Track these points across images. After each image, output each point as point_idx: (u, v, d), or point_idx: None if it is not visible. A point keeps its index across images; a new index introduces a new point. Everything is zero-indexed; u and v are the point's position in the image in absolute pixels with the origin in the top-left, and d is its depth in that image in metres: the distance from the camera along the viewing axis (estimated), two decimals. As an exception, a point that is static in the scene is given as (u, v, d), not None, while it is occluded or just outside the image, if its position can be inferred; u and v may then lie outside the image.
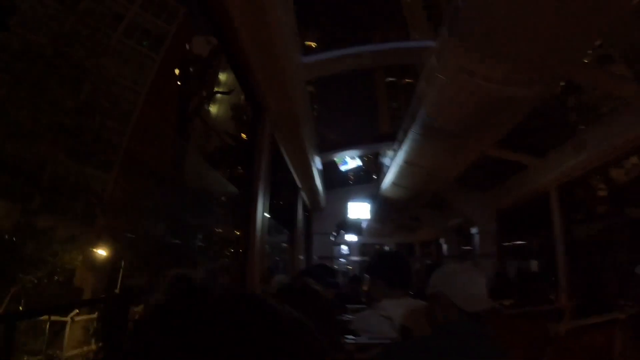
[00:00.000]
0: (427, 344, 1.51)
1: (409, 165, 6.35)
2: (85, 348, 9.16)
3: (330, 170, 9.30)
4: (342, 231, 12.33)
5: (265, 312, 0.46)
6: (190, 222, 21.42)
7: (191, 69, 26.60)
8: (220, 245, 24.10)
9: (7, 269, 12.59)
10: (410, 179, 7.01)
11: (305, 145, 5.08)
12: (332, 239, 10.24)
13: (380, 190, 8.58)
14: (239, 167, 25.86)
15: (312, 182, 6.68)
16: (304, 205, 7.36)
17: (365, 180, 19.44)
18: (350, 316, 2.77)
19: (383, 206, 9.31)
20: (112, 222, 17.89)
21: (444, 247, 11.20)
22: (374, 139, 9.92)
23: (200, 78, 26.74)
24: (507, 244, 9.52)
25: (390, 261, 2.42)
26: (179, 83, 26.24)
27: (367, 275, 2.49)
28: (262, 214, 3.48)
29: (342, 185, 10.86)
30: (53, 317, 7.91)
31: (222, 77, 37.41)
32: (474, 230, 8.34)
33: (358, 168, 10.80)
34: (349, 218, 9.63)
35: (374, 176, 17.52)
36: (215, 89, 34.38)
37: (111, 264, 16.82)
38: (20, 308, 12.87)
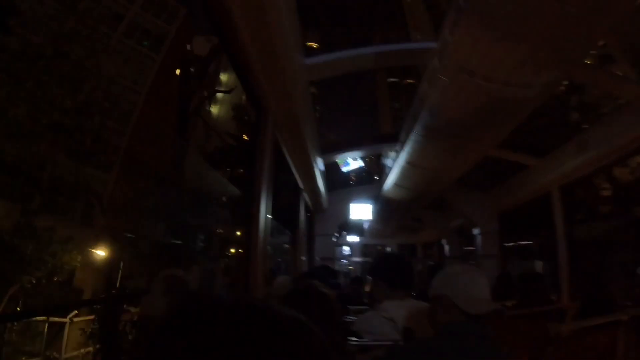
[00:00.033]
0: (430, 345, 1.51)
1: (411, 166, 6.36)
2: (82, 350, 9.11)
3: (332, 172, 9.31)
4: (344, 232, 12.34)
5: (277, 330, 0.46)
6: (191, 223, 21.41)
7: (192, 69, 26.58)
8: (221, 246, 24.11)
9: (5, 269, 12.58)
10: (412, 180, 7.02)
11: (307, 146, 5.08)
12: (334, 239, 10.24)
13: (382, 191, 8.59)
14: (240, 168, 25.85)
15: (315, 183, 6.69)
16: (306, 207, 7.37)
17: (366, 181, 19.41)
18: (352, 317, 2.77)
19: (385, 207, 9.31)
20: (112, 223, 17.87)
21: (446, 247, 11.21)
22: (376, 140, 9.91)
23: (201, 78, 26.72)
24: (509, 244, 9.51)
25: (393, 262, 2.42)
26: (179, 83, 26.22)
27: (369, 277, 2.50)
28: (265, 215, 3.48)
29: (344, 186, 10.85)
30: (52, 319, 7.88)
31: (223, 77, 37.46)
32: (475, 231, 8.34)
33: (360, 169, 10.80)
34: (351, 219, 9.64)
35: (375, 177, 17.51)
36: (216, 89, 34.37)
37: (111, 264, 16.79)
38: (18, 309, 12.86)
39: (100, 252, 16.66)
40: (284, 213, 6.80)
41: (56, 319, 7.97)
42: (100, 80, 17.39)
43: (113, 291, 16.23)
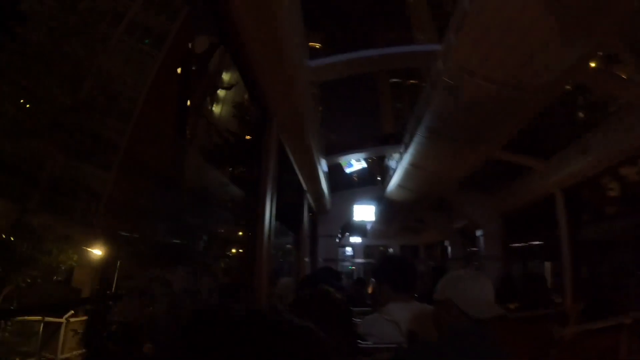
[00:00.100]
0: (435, 349, 1.52)
1: (414, 167, 6.36)
2: (79, 351, 9.05)
3: (336, 173, 9.31)
4: (347, 233, 12.33)
5: (288, 341, 0.47)
6: (191, 223, 21.32)
7: (193, 68, 26.53)
8: (223, 247, 24.03)
9: (3, 268, 12.54)
10: (415, 182, 7.03)
11: (311, 148, 5.09)
12: (337, 240, 10.25)
13: (385, 192, 8.59)
14: (243, 168, 25.74)
15: (318, 184, 6.69)
16: (310, 208, 7.37)
17: (369, 182, 19.36)
18: (356, 320, 2.78)
19: (388, 208, 9.32)
20: (111, 222, 17.82)
21: (449, 249, 11.18)
22: (379, 141, 9.91)
23: (202, 75, 26.65)
24: (512, 246, 9.48)
25: (396, 265, 2.43)
26: (180, 81, 26.16)
27: (373, 279, 2.51)
28: (270, 216, 3.50)
29: (347, 188, 10.84)
30: (47, 319, 7.78)
31: (225, 76, 37.40)
32: (478, 232, 8.33)
33: (363, 170, 10.80)
34: (354, 220, 9.64)
35: (378, 178, 17.49)
36: (217, 85, 34.25)
37: (109, 264, 16.72)
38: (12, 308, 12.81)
39: (98, 252, 16.58)
40: (288, 214, 6.80)
41: (52, 319, 7.88)
42: (101, 78, 17.37)
43: (108, 292, 16.11)
